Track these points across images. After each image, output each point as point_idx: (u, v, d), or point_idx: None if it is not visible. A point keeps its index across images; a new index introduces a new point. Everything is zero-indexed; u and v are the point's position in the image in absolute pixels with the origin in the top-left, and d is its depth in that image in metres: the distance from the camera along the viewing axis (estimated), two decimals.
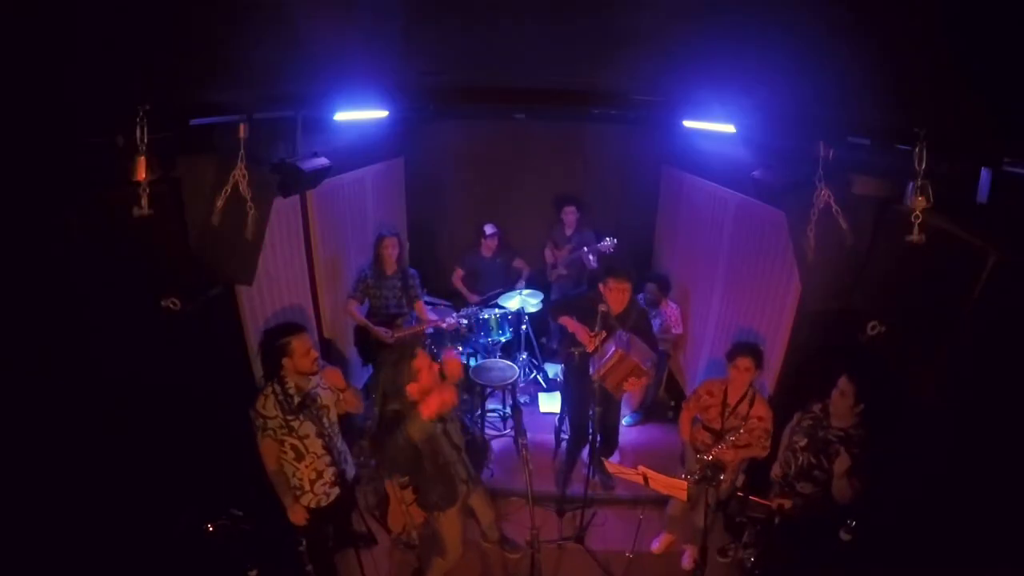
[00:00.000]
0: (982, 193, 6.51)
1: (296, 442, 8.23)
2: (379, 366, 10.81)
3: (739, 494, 8.93)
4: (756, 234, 11.05)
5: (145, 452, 7.44)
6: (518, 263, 16.17)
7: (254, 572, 8.23)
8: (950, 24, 2.82)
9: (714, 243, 12.83)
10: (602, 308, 10.04)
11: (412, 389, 7.86)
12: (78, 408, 6.60)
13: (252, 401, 8.18)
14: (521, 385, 14.74)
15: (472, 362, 14.12)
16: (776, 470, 9.08)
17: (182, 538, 7.85)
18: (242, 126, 7.83)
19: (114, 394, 7.01)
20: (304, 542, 8.73)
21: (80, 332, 6.60)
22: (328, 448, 8.42)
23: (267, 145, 9.30)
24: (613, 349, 9.88)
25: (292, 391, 8.20)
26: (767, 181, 9.08)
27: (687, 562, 10.23)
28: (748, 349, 9.22)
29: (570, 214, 15.87)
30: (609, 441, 11.78)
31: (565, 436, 12.35)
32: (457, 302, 15.24)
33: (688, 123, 11.75)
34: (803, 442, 8.68)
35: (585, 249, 15.01)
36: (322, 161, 9.75)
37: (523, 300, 14.56)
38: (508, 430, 13.17)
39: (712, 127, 10.42)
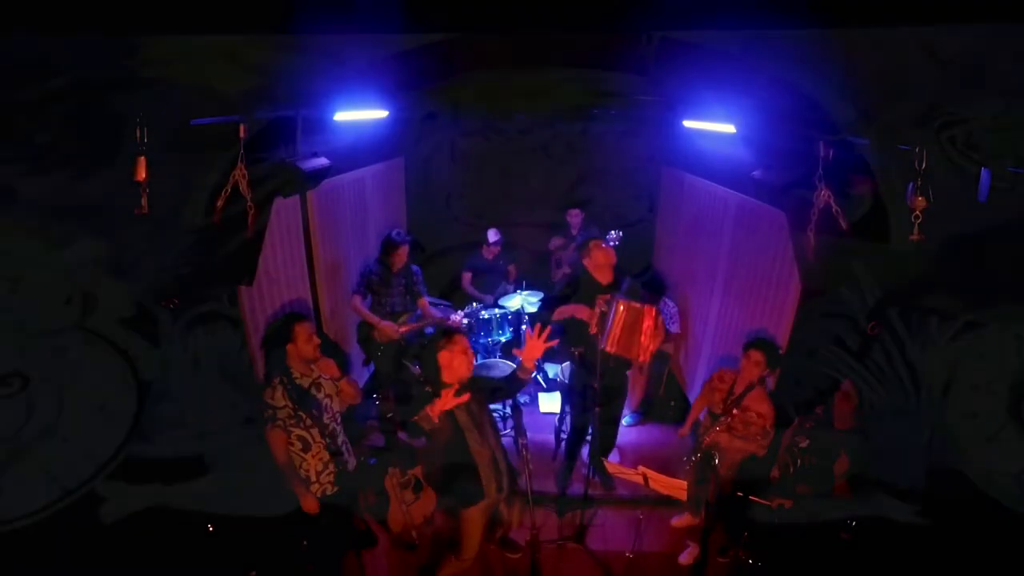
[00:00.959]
0: (982, 193, 6.53)
1: (304, 432, 8.27)
2: (380, 364, 10.83)
3: (739, 494, 8.93)
4: (756, 234, 11.03)
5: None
6: (511, 268, 16.20)
7: (254, 572, 8.24)
8: None
9: (714, 243, 12.82)
10: (601, 308, 10.05)
11: (446, 376, 7.82)
12: None
13: (259, 393, 8.19)
14: None
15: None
16: (775, 471, 9.08)
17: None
18: (242, 126, 7.82)
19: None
20: (304, 542, 8.72)
21: None
22: (334, 437, 8.40)
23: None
24: (615, 305, 9.87)
25: (299, 379, 8.24)
26: (767, 181, 9.08)
27: (685, 558, 10.21)
28: (762, 343, 9.25)
29: (575, 216, 15.89)
30: (609, 441, 11.78)
31: (565, 436, 12.31)
32: (458, 302, 15.20)
33: (688, 123, 11.74)
34: (804, 443, 8.69)
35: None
36: (322, 161, 9.76)
37: (523, 300, 14.53)
38: (508, 430, 13.10)
39: (712, 127, 10.41)
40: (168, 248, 7.91)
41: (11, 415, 7.43)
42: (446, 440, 7.99)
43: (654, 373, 13.59)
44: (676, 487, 8.64)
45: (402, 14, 6.62)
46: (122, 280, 7.72)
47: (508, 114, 15.41)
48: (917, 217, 6.69)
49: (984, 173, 6.71)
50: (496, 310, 14.25)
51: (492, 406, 13.00)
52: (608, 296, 10.19)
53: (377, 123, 12.46)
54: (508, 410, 13.26)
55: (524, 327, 14.19)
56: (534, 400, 14.90)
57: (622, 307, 9.86)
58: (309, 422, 8.24)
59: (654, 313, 9.97)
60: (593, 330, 10.27)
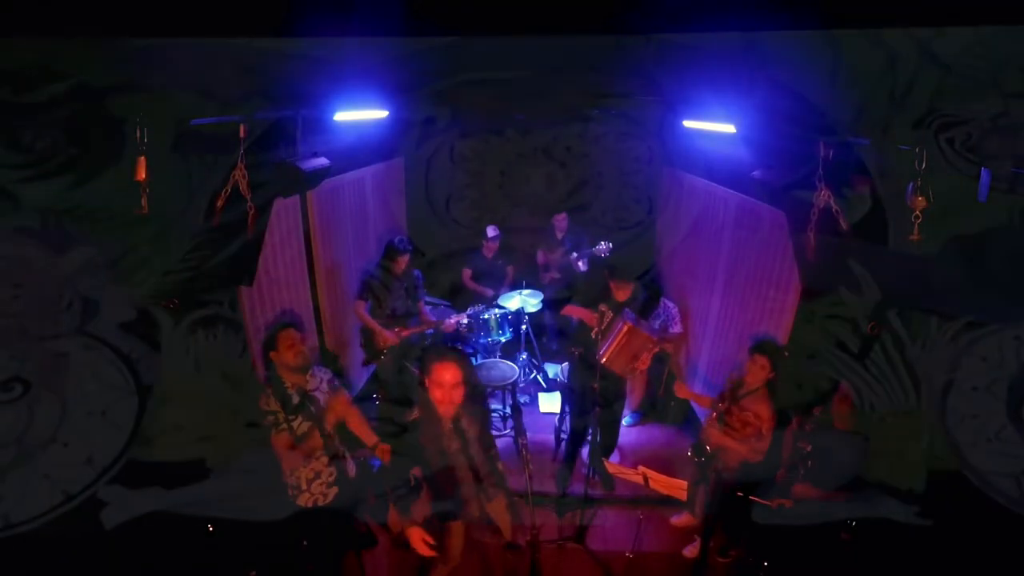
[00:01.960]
0: (982, 193, 6.54)
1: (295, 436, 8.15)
2: (381, 367, 10.85)
3: (739, 494, 8.94)
4: (756, 234, 11.03)
5: None
6: (510, 269, 16.21)
7: (254, 572, 8.24)
8: None
9: (714, 243, 12.82)
10: (602, 307, 10.07)
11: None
12: None
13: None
14: (521, 385, 14.62)
15: (472, 362, 14.11)
16: (781, 473, 9.09)
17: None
18: (242, 126, 7.83)
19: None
20: (305, 542, 8.72)
21: None
22: (326, 449, 8.37)
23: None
24: (621, 324, 9.89)
25: (289, 388, 8.15)
26: (767, 181, 9.08)
27: (690, 551, 10.22)
28: (768, 348, 9.24)
29: (560, 220, 15.89)
30: (609, 441, 11.79)
31: (565, 436, 12.29)
32: (458, 303, 15.23)
33: (688, 123, 11.74)
34: (808, 448, 8.71)
35: (575, 255, 15.05)
36: (322, 161, 9.75)
37: (523, 300, 14.52)
38: (508, 430, 13.15)
39: (712, 127, 10.40)
40: (169, 252, 7.93)
41: (12, 420, 7.45)
42: (432, 447, 7.97)
43: (654, 373, 13.58)
44: (676, 487, 8.66)
45: (400, 17, 6.64)
46: (123, 285, 7.74)
47: (507, 118, 15.44)
48: (917, 217, 6.71)
49: (984, 173, 6.72)
50: (496, 310, 14.22)
51: (492, 406, 13.07)
52: (611, 315, 10.22)
53: (377, 123, 12.46)
54: (508, 410, 13.28)
55: (524, 327, 14.26)
56: (534, 400, 14.87)
57: (626, 328, 9.88)
58: (300, 431, 8.11)
59: (653, 351, 10.08)
60: (594, 334, 10.30)
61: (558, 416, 12.75)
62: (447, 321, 13.20)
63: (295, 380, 8.27)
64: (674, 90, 8.02)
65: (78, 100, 7.21)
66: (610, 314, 10.24)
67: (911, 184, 6.89)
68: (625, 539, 10.36)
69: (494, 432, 12.66)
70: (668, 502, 10.18)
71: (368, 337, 12.71)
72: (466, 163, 17.59)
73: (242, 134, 7.80)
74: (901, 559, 7.67)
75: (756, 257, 11.08)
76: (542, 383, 15.23)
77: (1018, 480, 7.38)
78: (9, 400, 7.41)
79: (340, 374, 9.79)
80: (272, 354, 8.16)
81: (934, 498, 7.54)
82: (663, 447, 12.94)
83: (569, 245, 15.53)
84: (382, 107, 10.98)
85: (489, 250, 15.51)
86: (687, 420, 13.47)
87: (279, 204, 9.78)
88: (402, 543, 9.26)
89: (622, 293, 10.64)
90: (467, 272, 15.81)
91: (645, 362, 10.15)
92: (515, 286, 15.34)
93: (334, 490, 8.60)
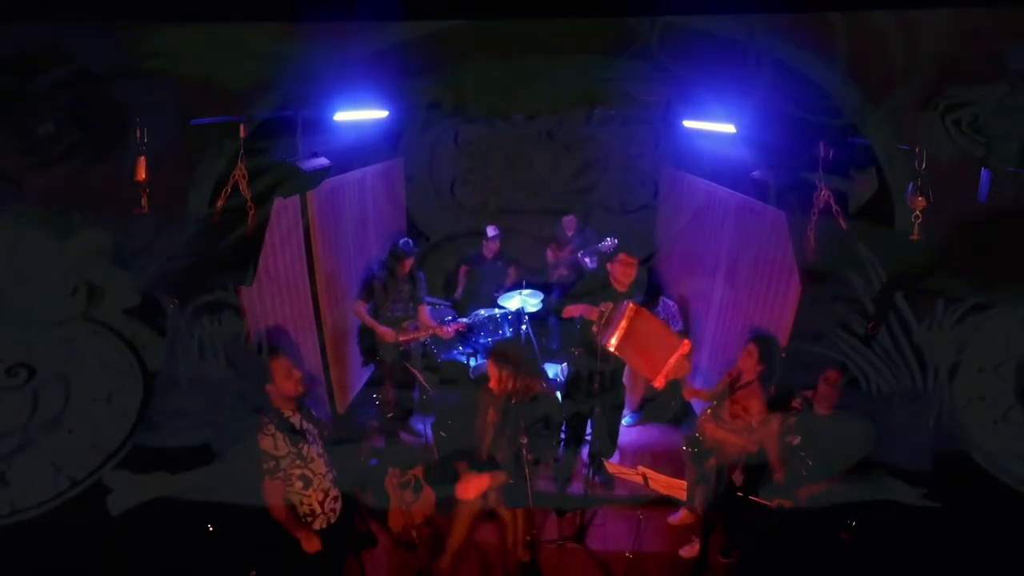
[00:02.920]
0: (982, 193, 6.55)
1: (305, 471, 8.07)
2: (380, 365, 10.86)
3: (739, 494, 8.95)
4: (756, 234, 11.06)
5: None
6: (511, 271, 16.21)
7: (254, 572, 8.22)
8: None
9: (714, 243, 12.85)
10: (603, 307, 10.05)
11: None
12: None
13: (256, 441, 8.06)
14: None
15: (472, 362, 14.15)
16: (780, 476, 9.09)
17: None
18: (242, 126, 7.84)
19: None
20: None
21: None
22: (328, 465, 8.34)
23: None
24: (624, 305, 9.76)
25: (289, 417, 8.05)
26: (767, 181, 9.10)
27: (687, 551, 10.21)
28: (759, 338, 9.27)
29: (570, 221, 15.97)
30: (609, 441, 11.78)
31: (564, 436, 12.24)
32: (459, 307, 15.25)
33: (688, 123, 11.76)
34: (797, 440, 8.73)
35: (581, 253, 15.08)
36: (322, 161, 9.79)
37: (523, 300, 14.52)
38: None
39: (712, 127, 10.43)
40: (174, 237, 7.92)
41: (17, 406, 7.42)
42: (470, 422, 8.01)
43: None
44: (676, 487, 8.68)
45: (403, 1, 6.65)
46: (128, 270, 7.72)
47: (510, 102, 15.48)
48: (917, 217, 6.74)
49: (984, 173, 6.74)
50: (496, 310, 14.21)
51: None
52: (612, 305, 10.15)
53: (377, 123, 12.50)
54: None
55: (524, 327, 14.25)
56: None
57: (630, 308, 9.71)
58: (309, 456, 8.10)
59: (687, 349, 9.53)
60: (595, 328, 10.26)
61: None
62: (446, 329, 13.17)
63: (291, 408, 8.14)
64: (679, 72, 8.01)
65: (82, 86, 7.20)
66: (610, 305, 10.16)
67: (911, 184, 6.90)
68: (625, 539, 10.40)
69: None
70: (668, 502, 10.23)
71: (366, 337, 12.69)
72: (470, 147, 17.70)
73: (242, 134, 7.82)
74: (908, 541, 7.67)
75: (756, 257, 11.09)
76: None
77: None
78: (14, 386, 7.38)
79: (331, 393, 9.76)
80: (269, 387, 8.00)
81: (941, 480, 7.54)
82: (663, 447, 12.95)
83: (577, 243, 15.58)
84: (383, 102, 11.00)
85: (489, 250, 15.53)
86: (687, 420, 13.47)
87: (279, 204, 9.78)
88: (402, 543, 9.29)
89: (624, 277, 10.57)
90: (463, 269, 15.88)
91: (674, 372, 9.65)
92: (515, 286, 15.35)
93: (340, 502, 8.57)
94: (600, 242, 14.75)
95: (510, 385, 8.51)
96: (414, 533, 9.52)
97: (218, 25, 6.98)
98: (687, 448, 9.92)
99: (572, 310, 10.81)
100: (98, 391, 7.73)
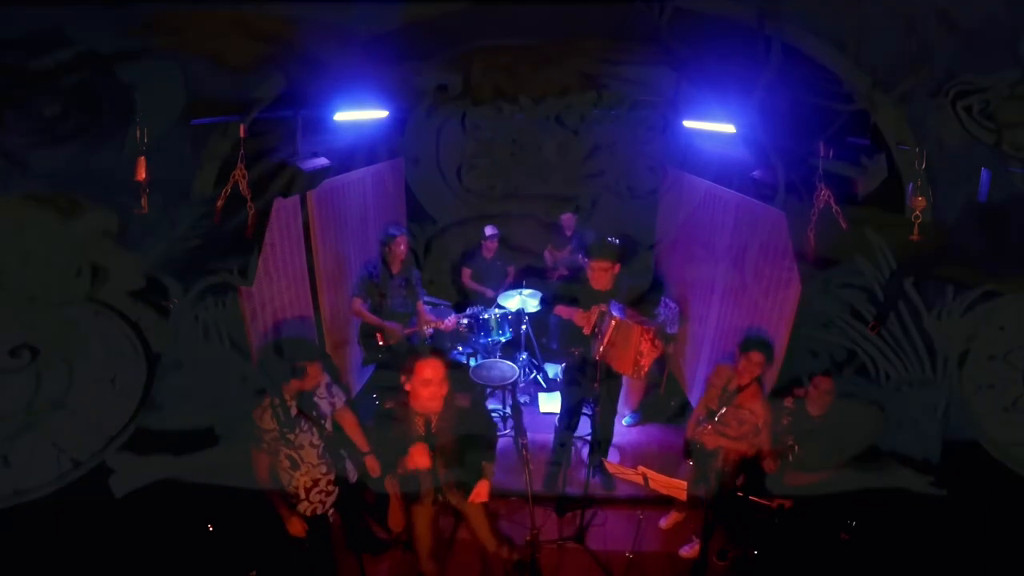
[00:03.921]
0: (982, 193, 6.55)
1: (292, 452, 8.12)
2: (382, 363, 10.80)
3: (739, 494, 8.92)
4: (756, 234, 11.03)
5: None
6: (510, 269, 16.17)
7: (254, 572, 8.19)
8: None
9: (714, 243, 12.82)
10: (600, 308, 10.03)
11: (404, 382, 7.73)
12: None
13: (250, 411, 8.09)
14: (521, 385, 14.65)
15: (472, 362, 14.12)
16: (771, 466, 9.08)
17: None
18: (242, 126, 7.84)
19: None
20: (307, 544, 8.66)
21: None
22: (323, 458, 8.32)
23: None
24: (610, 320, 9.80)
25: (291, 404, 8.09)
26: (767, 181, 9.09)
27: (687, 551, 10.18)
28: (762, 344, 9.24)
29: (568, 219, 15.89)
30: (604, 441, 11.75)
31: (566, 422, 12.18)
32: (460, 303, 15.22)
33: (688, 123, 11.75)
34: (791, 439, 8.72)
35: (580, 254, 15.05)
36: (322, 161, 9.78)
37: (523, 300, 14.49)
38: (508, 430, 13.11)
39: (712, 127, 10.42)
40: (178, 220, 7.90)
41: (21, 387, 7.40)
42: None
43: (654, 373, 13.52)
44: (676, 487, 8.63)
45: None
46: (132, 252, 7.70)
47: (518, 85, 15.46)
48: (917, 217, 6.73)
49: (984, 173, 6.74)
50: (496, 310, 14.19)
51: (492, 406, 13.00)
52: (605, 307, 10.14)
53: (377, 123, 12.49)
54: (508, 410, 13.25)
55: (524, 327, 14.22)
56: (534, 400, 14.81)
57: (613, 323, 9.77)
58: (299, 443, 8.14)
59: (650, 335, 9.72)
60: (587, 332, 10.26)
61: (558, 416, 12.69)
62: (446, 321, 13.13)
63: (291, 400, 8.18)
64: (688, 57, 8.01)
65: (87, 67, 7.19)
66: (601, 309, 10.15)
67: (911, 184, 6.90)
68: (625, 539, 10.35)
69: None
70: (668, 502, 10.21)
71: (367, 335, 12.65)
72: (478, 131, 17.55)
73: (242, 134, 7.81)
74: (918, 528, 7.65)
75: (756, 257, 11.07)
76: (542, 383, 15.20)
77: None
78: (18, 367, 7.36)
79: (336, 378, 9.71)
80: (294, 382, 8.07)
81: (950, 468, 7.53)
82: (663, 447, 12.90)
83: (576, 243, 15.54)
84: (389, 85, 10.96)
85: (488, 250, 15.48)
86: (686, 418, 13.44)
87: (279, 203, 9.76)
88: (402, 543, 9.24)
89: (597, 278, 10.53)
90: (467, 272, 15.76)
91: (649, 356, 9.89)
92: (515, 286, 15.31)
93: (332, 497, 8.55)
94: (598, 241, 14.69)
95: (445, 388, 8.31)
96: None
97: (222, 5, 6.98)
98: (686, 459, 9.89)
99: (564, 311, 10.78)
100: (102, 372, 7.72)
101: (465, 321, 13.70)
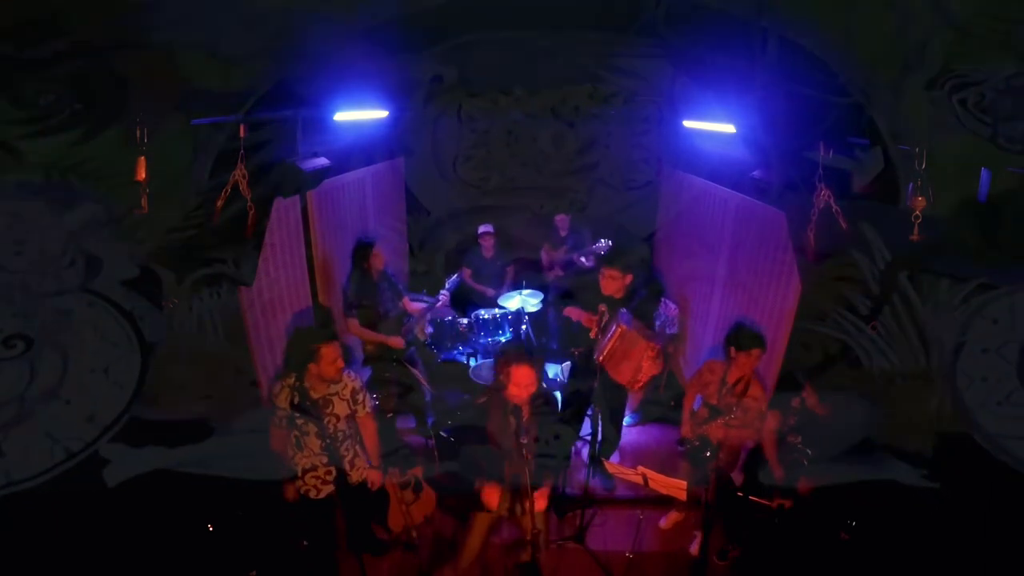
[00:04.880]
0: (982, 193, 6.54)
1: (297, 434, 8.10)
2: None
3: (739, 494, 8.91)
4: (756, 234, 11.03)
5: None
6: (510, 269, 16.13)
7: (254, 572, 8.19)
8: None
9: (714, 243, 12.82)
10: (602, 307, 10.04)
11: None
12: None
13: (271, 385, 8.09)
14: None
15: (472, 362, 14.10)
16: (779, 472, 9.05)
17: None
18: (242, 126, 7.84)
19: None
20: (306, 542, 8.66)
21: None
22: (326, 450, 8.29)
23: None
24: (614, 327, 9.81)
25: (309, 391, 8.04)
26: (767, 181, 9.08)
27: (696, 547, 10.16)
28: (759, 338, 9.23)
29: (563, 220, 15.87)
30: (610, 441, 11.72)
31: (565, 413, 12.15)
32: (463, 306, 15.21)
33: (688, 123, 11.75)
34: (799, 439, 8.70)
35: (576, 254, 15.05)
36: (322, 161, 9.78)
37: (523, 300, 14.50)
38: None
39: (712, 127, 10.42)
40: (172, 210, 7.91)
41: (14, 377, 7.43)
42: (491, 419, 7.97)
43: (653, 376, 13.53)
44: (676, 487, 8.61)
45: None
46: (126, 242, 7.71)
47: (514, 77, 15.45)
48: (917, 217, 6.72)
49: (984, 173, 6.74)
50: (496, 310, 14.17)
51: None
52: (604, 307, 10.15)
53: (377, 123, 12.48)
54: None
55: (524, 327, 14.21)
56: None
57: (619, 331, 9.78)
58: (305, 429, 8.08)
59: (653, 353, 9.72)
60: (593, 335, 10.26)
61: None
62: (439, 298, 12.99)
63: (320, 388, 8.16)
64: (684, 50, 8.02)
65: (81, 56, 7.21)
66: (607, 314, 10.17)
67: (911, 184, 6.90)
68: (625, 539, 10.32)
69: None
70: (668, 502, 10.19)
71: (373, 352, 12.54)
72: (473, 122, 17.58)
73: (242, 134, 7.81)
74: (910, 520, 7.63)
75: (756, 257, 11.06)
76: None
77: None
78: (11, 357, 7.39)
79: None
80: (311, 366, 8.00)
81: (943, 461, 7.52)
82: (663, 447, 12.88)
83: (571, 243, 15.53)
84: (385, 78, 10.97)
85: (487, 249, 15.46)
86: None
87: (279, 204, 9.75)
88: (402, 543, 9.23)
89: (608, 285, 10.53)
90: (466, 272, 15.71)
91: (648, 371, 9.89)
92: (515, 286, 15.33)
93: (328, 488, 8.52)
94: (595, 243, 14.71)
95: (535, 388, 8.38)
96: (414, 533, 9.43)
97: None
98: (687, 454, 9.88)
99: (572, 312, 10.78)
100: (96, 363, 7.73)
101: (465, 321, 13.69)
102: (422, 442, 12.08)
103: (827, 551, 8.40)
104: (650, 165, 17.30)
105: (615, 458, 12.08)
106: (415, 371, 11.75)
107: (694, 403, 10.02)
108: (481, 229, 15.42)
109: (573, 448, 11.99)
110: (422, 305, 12.57)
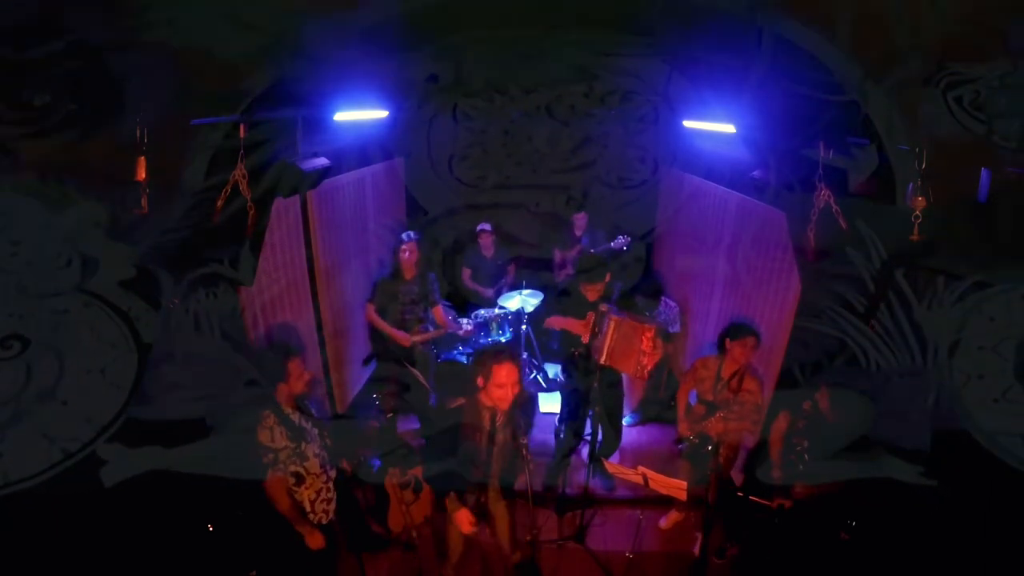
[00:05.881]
0: (982, 193, 6.54)
1: (299, 468, 7.93)
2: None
3: (739, 494, 8.91)
4: (756, 234, 11.02)
5: None
6: (510, 268, 16.13)
7: (254, 572, 8.18)
8: None
9: (714, 243, 12.82)
10: (590, 315, 10.06)
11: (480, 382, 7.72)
12: None
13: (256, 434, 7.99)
14: None
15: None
16: (777, 472, 9.04)
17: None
18: (242, 126, 7.84)
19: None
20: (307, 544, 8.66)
21: None
22: (323, 467, 8.26)
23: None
24: (607, 322, 9.81)
25: (290, 414, 7.93)
26: (767, 181, 9.08)
27: (699, 549, 10.16)
28: (752, 329, 9.23)
29: (580, 219, 15.80)
30: (610, 441, 11.71)
31: (563, 436, 12.14)
32: (462, 305, 15.19)
33: (688, 123, 11.75)
34: (804, 443, 8.69)
35: (592, 251, 14.99)
36: (322, 161, 9.78)
37: (523, 300, 14.51)
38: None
39: (712, 127, 10.41)
40: (169, 210, 7.91)
41: (10, 378, 7.42)
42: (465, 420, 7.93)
43: (654, 373, 13.49)
44: (676, 487, 8.61)
45: None
46: (123, 242, 7.71)
47: (509, 76, 15.46)
48: (917, 217, 6.72)
49: (984, 173, 6.74)
50: (496, 310, 14.16)
51: None
52: (603, 309, 10.15)
53: (377, 123, 12.47)
54: None
55: (524, 327, 14.21)
56: (534, 400, 14.57)
57: (613, 323, 9.80)
58: (306, 455, 8.01)
59: (651, 333, 9.76)
60: (585, 340, 10.26)
61: (558, 416, 12.67)
62: (464, 328, 13.07)
63: (293, 406, 7.97)
64: (680, 49, 8.02)
65: (78, 57, 7.22)
66: (602, 309, 10.16)
67: (911, 184, 6.90)
68: (625, 539, 10.31)
69: None
70: (668, 502, 10.21)
71: (379, 340, 12.53)
72: (469, 121, 17.55)
73: (242, 133, 7.81)
74: (907, 517, 7.63)
75: (756, 257, 11.06)
76: (542, 383, 15.21)
77: None
78: (7, 357, 7.40)
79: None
80: (281, 385, 7.81)
81: (939, 458, 7.52)
82: (663, 447, 12.88)
83: (586, 242, 15.47)
84: (381, 78, 10.97)
85: (486, 247, 15.42)
86: None
87: (279, 204, 9.74)
88: (402, 543, 9.23)
89: (592, 292, 10.54)
90: (466, 272, 15.71)
91: (651, 356, 9.90)
92: (515, 286, 15.33)
93: (333, 504, 8.49)
94: (612, 240, 14.72)
95: (519, 388, 8.32)
96: (414, 533, 9.42)
97: None
98: (686, 452, 9.88)
99: (555, 322, 10.79)
100: (92, 363, 7.73)
101: (470, 327, 13.68)
102: (422, 443, 12.10)
103: (826, 550, 8.39)
104: (646, 164, 17.29)
105: (615, 458, 12.07)
106: (415, 371, 11.73)
107: (689, 400, 10.01)
108: (480, 227, 15.39)
109: (573, 448, 11.97)
110: (450, 324, 12.65)
